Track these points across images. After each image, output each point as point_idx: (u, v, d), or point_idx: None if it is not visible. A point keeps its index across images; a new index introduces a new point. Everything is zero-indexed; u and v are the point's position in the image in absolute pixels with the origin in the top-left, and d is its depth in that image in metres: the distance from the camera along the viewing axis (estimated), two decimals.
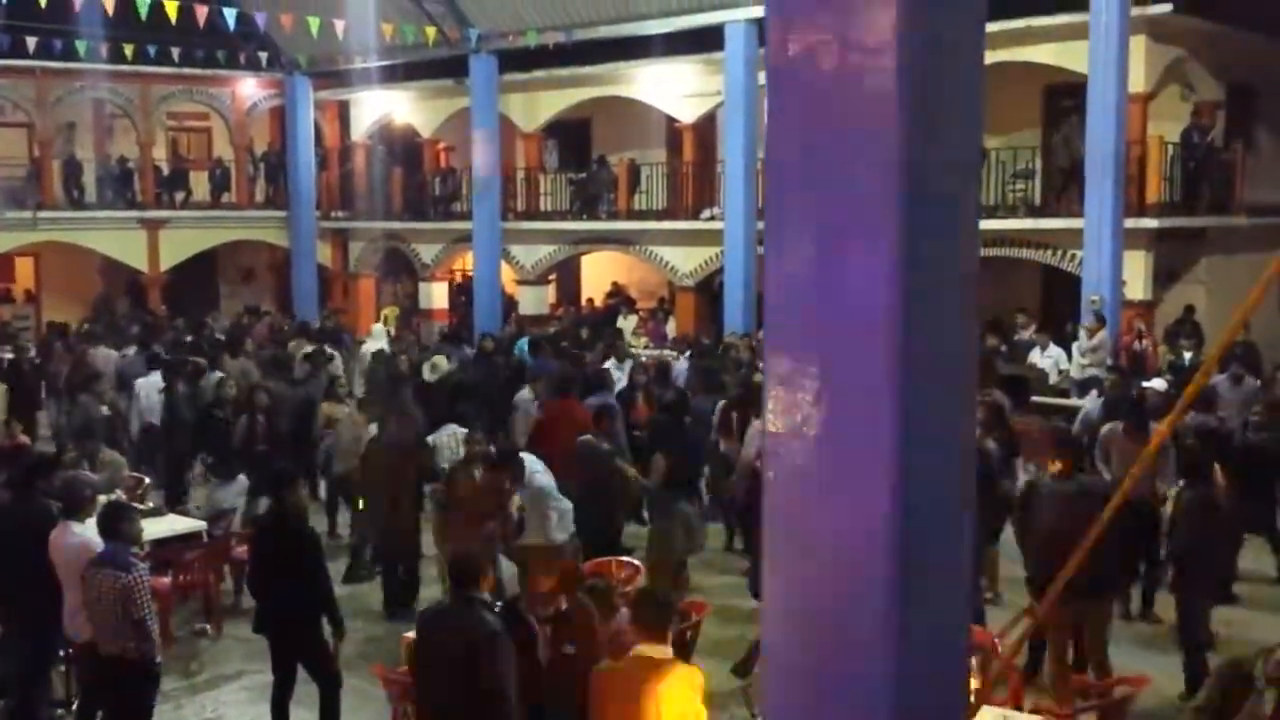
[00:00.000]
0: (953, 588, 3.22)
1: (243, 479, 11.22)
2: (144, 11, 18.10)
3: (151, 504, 11.14)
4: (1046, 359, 16.33)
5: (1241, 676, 6.20)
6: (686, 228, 22.70)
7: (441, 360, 15.58)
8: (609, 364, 15.36)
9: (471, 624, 5.93)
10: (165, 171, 27.93)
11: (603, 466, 9.84)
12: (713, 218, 21.97)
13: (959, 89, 3.04)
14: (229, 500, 10.85)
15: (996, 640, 6.94)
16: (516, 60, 24.02)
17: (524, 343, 17.45)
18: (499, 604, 6.48)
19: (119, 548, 6.93)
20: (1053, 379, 16.05)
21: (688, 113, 23.11)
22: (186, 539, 10.39)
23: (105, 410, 13.97)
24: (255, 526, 8.72)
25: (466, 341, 19.01)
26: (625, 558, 9.34)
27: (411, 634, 6.93)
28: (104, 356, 16.74)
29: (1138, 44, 17.59)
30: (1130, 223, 17.56)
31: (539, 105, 25.39)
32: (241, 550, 10.09)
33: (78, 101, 26.67)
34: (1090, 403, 12.50)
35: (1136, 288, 18.18)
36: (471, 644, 5.87)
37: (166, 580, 9.76)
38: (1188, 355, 16.28)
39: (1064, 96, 19.27)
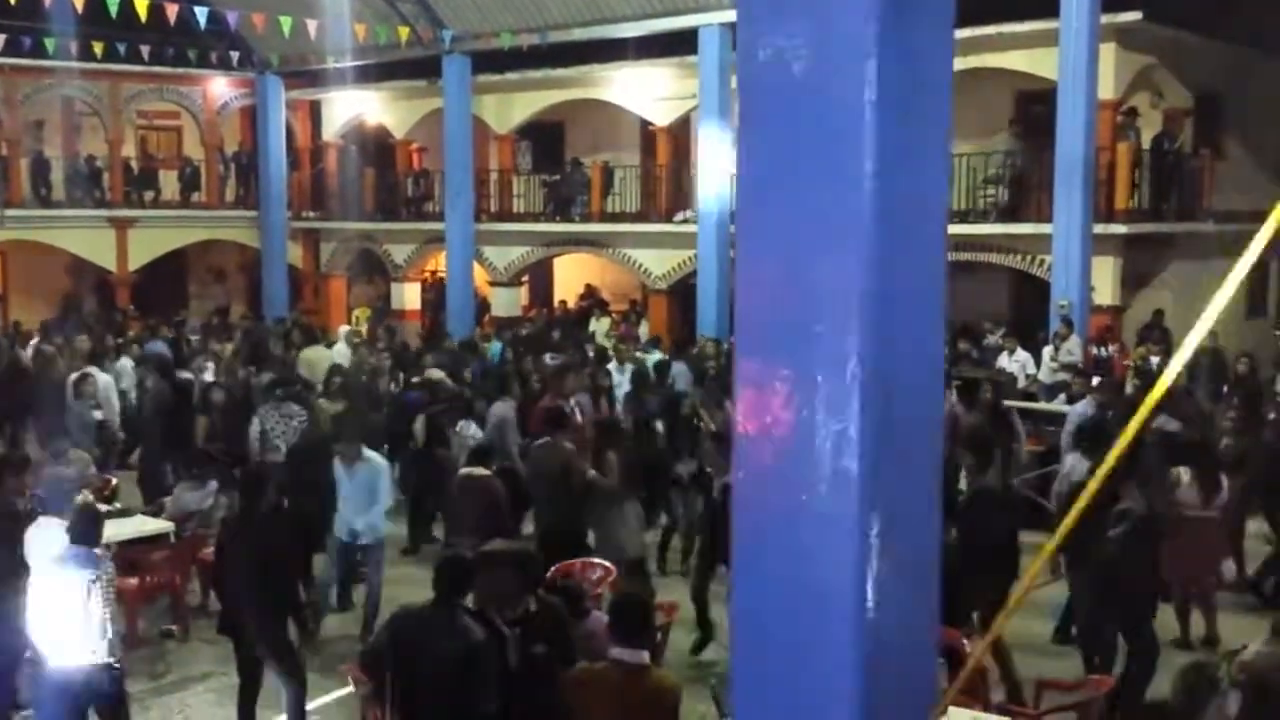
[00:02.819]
0: (921, 587, 3.24)
1: (213, 482, 11.14)
2: (114, 9, 17.97)
3: (119, 505, 11.05)
4: (1014, 363, 16.44)
5: (1207, 679, 6.27)
6: (660, 230, 22.73)
7: (436, 373, 15.27)
8: (610, 366, 15.36)
9: (459, 632, 5.92)
10: (135, 170, 27.73)
11: (560, 466, 9.83)
12: (686, 221, 22.00)
13: (929, 94, 3.06)
14: (196, 501, 10.77)
15: (965, 641, 6.98)
16: (490, 61, 23.98)
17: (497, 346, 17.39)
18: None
19: (83, 550, 6.88)
20: (1020, 383, 16.16)
21: (661, 116, 23.14)
22: (154, 540, 10.31)
23: (98, 414, 13.86)
24: (223, 527, 8.67)
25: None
26: (595, 559, 9.33)
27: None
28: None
29: (1107, 51, 17.75)
30: (1099, 228, 17.71)
31: (512, 107, 25.36)
32: (209, 552, 10.02)
33: (46, 99, 26.42)
34: (1084, 407, 12.54)
35: (1105, 293, 18.33)
36: (461, 653, 5.86)
37: (133, 582, 9.69)
38: (1155, 360, 16.41)
39: (1036, 102, 19.40)
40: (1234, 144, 21.32)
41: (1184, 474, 9.69)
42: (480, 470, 9.83)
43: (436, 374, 14.75)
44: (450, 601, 6.07)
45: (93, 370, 14.77)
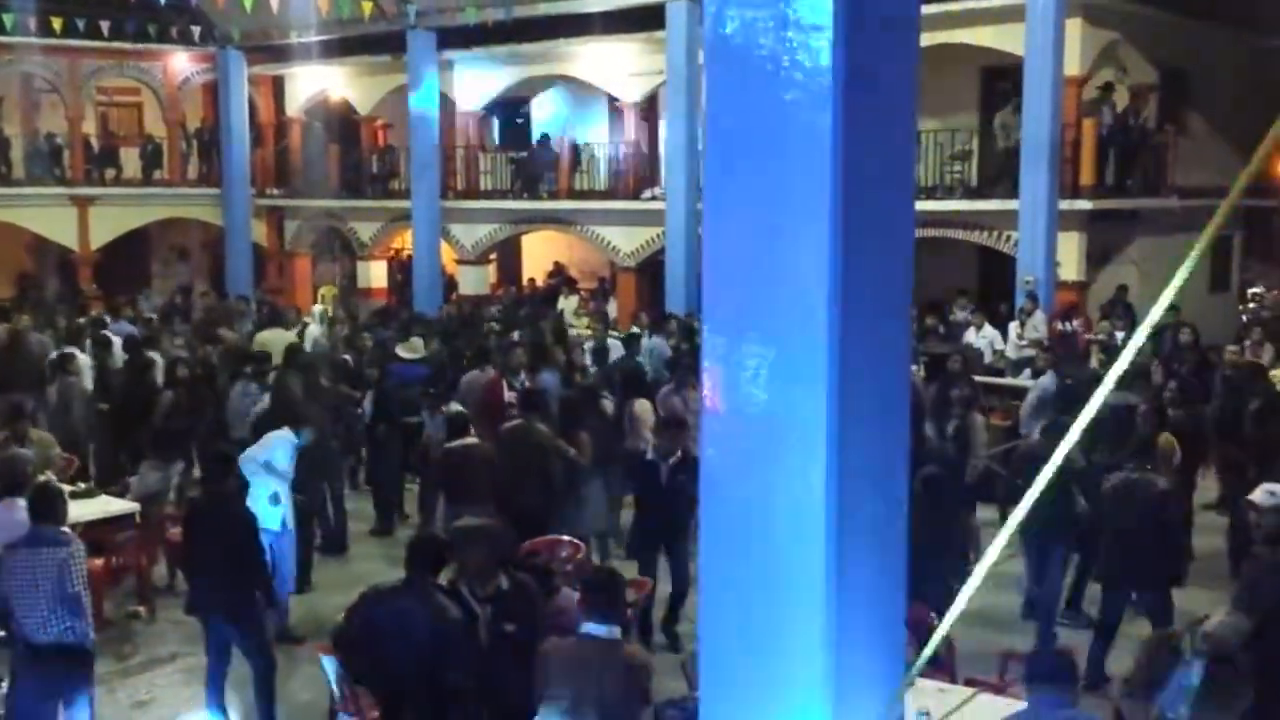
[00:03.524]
0: (888, 561, 3.25)
1: (179, 462, 11.06)
2: None
3: (83, 485, 10.95)
4: (981, 339, 16.54)
5: (1170, 649, 6.34)
6: (628, 208, 22.67)
7: (418, 342, 15.30)
8: (610, 343, 15.34)
9: (433, 610, 5.92)
10: (95, 148, 27.39)
11: (534, 446, 9.82)
12: (654, 198, 21.96)
13: (895, 68, 3.06)
14: (161, 481, 10.69)
15: (933, 615, 7.03)
16: (456, 36, 23.80)
17: None
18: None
19: (48, 528, 6.82)
20: (988, 358, 16.26)
21: (629, 92, 23.04)
22: (119, 521, 10.23)
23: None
24: (189, 507, 8.62)
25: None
26: (566, 536, 9.33)
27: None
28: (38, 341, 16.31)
29: (1073, 27, 17.81)
30: (1065, 204, 17.80)
31: (479, 83, 25.19)
32: (176, 532, 9.95)
33: (5, 76, 26.05)
34: (1048, 381, 12.62)
35: (1070, 268, 18.44)
36: (435, 631, 5.86)
37: (99, 563, 9.61)
38: (1119, 335, 16.54)
39: (1001, 79, 19.45)
40: (1198, 120, 21.46)
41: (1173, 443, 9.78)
42: (473, 440, 9.84)
43: (418, 345, 14.83)
44: (423, 579, 6.06)
45: (74, 351, 14.64)
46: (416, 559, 6.18)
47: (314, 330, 18.28)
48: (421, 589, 6.03)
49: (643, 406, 11.39)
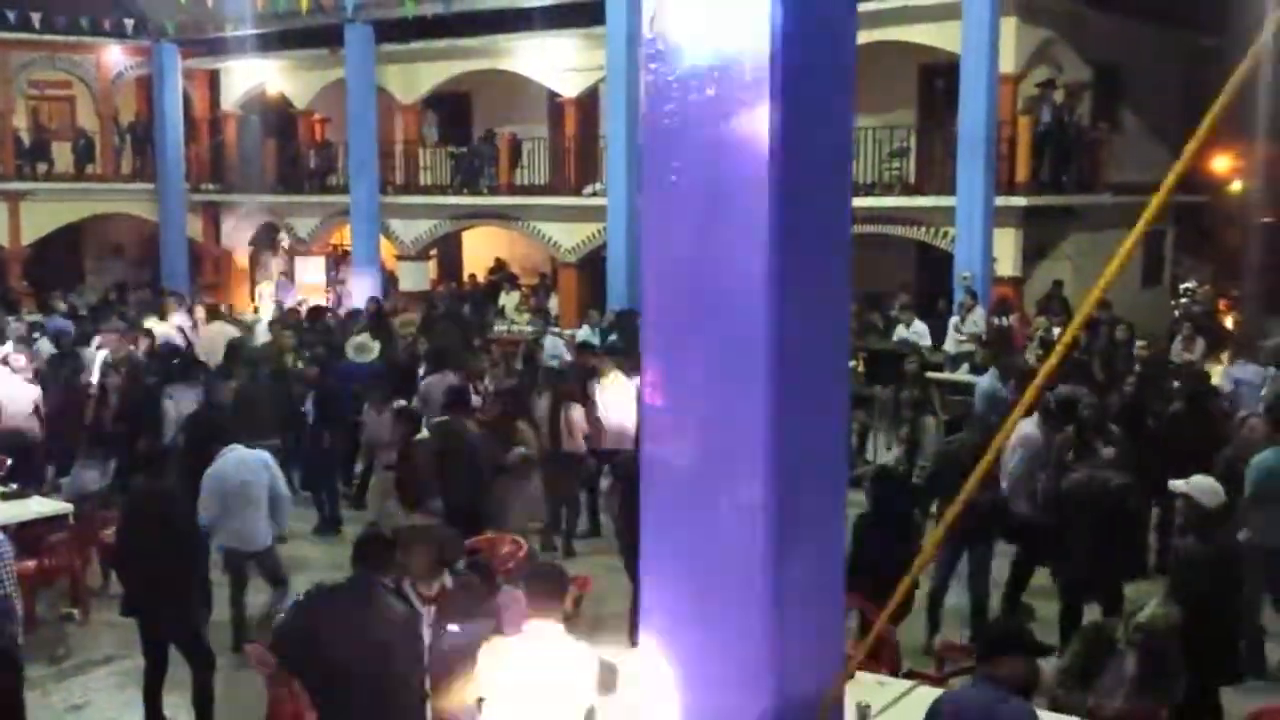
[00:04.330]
0: (826, 555, 3.27)
1: (112, 462, 10.89)
2: None
3: (14, 485, 10.74)
4: (911, 335, 16.68)
5: (1104, 639, 6.45)
6: (569, 204, 22.60)
7: (367, 339, 14.95)
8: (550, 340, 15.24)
9: (381, 610, 5.86)
10: (26, 142, 26.87)
11: (462, 444, 9.81)
12: (595, 194, 21.92)
13: (832, 67, 3.07)
14: (95, 481, 10.52)
15: (874, 609, 7.09)
16: (394, 30, 23.60)
17: None
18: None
19: None
20: None
21: (569, 87, 22.98)
22: (51, 521, 10.05)
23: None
24: (124, 505, 8.48)
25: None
26: (508, 533, 9.31)
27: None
28: None
29: (1009, 25, 18.01)
30: (1000, 200, 18.01)
31: (418, 77, 24.98)
32: (110, 533, 9.79)
33: None
34: (989, 380, 12.75)
35: (1006, 264, 18.66)
36: (384, 630, 5.80)
37: (31, 564, 9.44)
38: (1056, 331, 16.77)
39: (939, 76, 19.63)
40: (1132, 118, 21.80)
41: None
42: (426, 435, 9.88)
43: (368, 345, 14.56)
44: (369, 579, 6.00)
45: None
46: (362, 557, 6.12)
47: (262, 328, 17.92)
48: (367, 588, 5.97)
49: (577, 410, 11.39)
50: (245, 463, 8.98)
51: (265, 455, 9.23)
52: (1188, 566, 7.10)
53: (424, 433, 10.06)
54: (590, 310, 18.83)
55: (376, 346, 14.71)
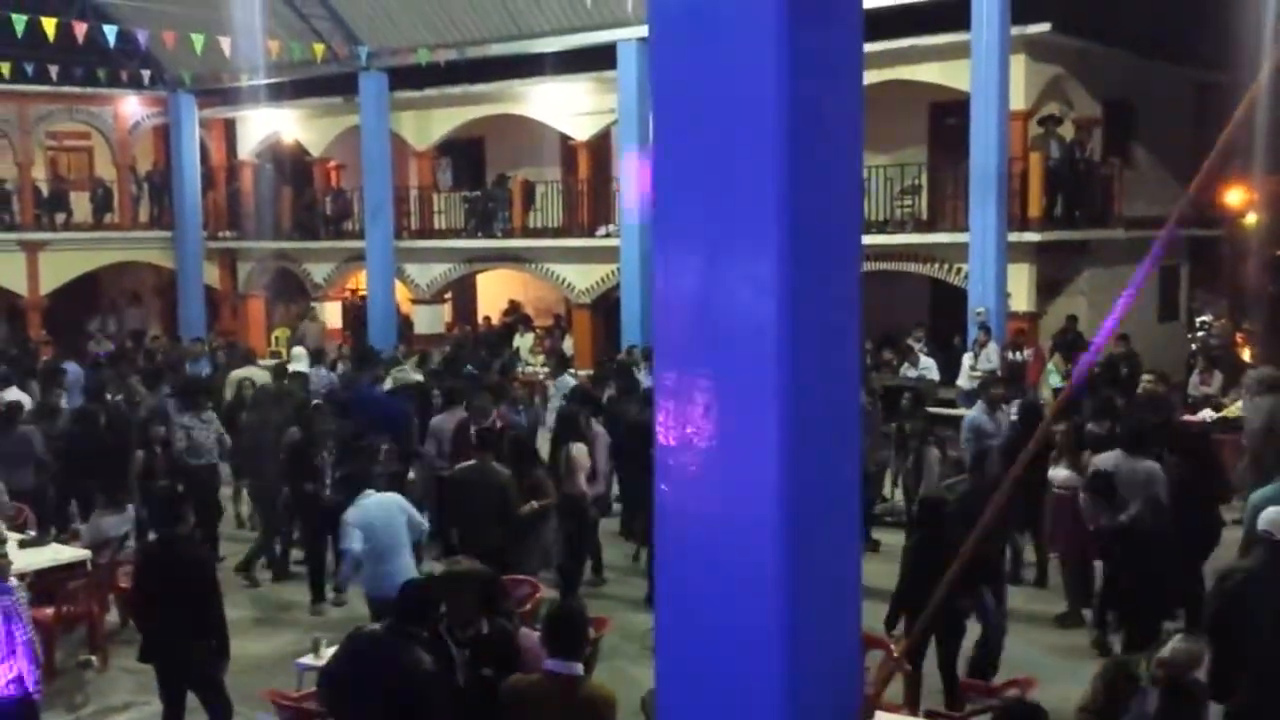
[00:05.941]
0: (843, 592, 3.26)
1: (130, 508, 10.91)
2: (20, 29, 17.60)
3: (33, 533, 10.76)
4: (918, 372, 16.67)
5: (1127, 675, 6.38)
6: (582, 245, 22.72)
7: (408, 370, 15.24)
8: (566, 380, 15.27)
9: (411, 662, 5.89)
10: (45, 192, 27.14)
11: (492, 486, 9.77)
12: (608, 235, 22.02)
13: (839, 105, 3.10)
14: (114, 529, 10.53)
15: (891, 644, 7.04)
16: (408, 77, 23.84)
17: None
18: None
19: None
20: None
21: (582, 130, 23.14)
22: (70, 569, 10.06)
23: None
24: (142, 552, 8.48)
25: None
26: (522, 576, 9.28)
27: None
28: None
29: (1018, 63, 18.09)
30: (1013, 236, 18.02)
31: (431, 123, 25.22)
32: (128, 578, 9.79)
33: None
34: (976, 412, 12.71)
35: (1020, 299, 18.65)
36: (407, 684, 5.83)
37: (49, 611, 9.45)
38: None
39: (949, 114, 19.71)
40: (1142, 152, 21.83)
41: None
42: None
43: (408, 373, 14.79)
44: (404, 629, 6.04)
45: (21, 398, 14.32)
46: (403, 608, 6.17)
47: (302, 366, 17.72)
48: (400, 638, 6.00)
49: (579, 449, 11.36)
50: (385, 506, 8.99)
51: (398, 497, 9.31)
52: (1221, 600, 7.04)
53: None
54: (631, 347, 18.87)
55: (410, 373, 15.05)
